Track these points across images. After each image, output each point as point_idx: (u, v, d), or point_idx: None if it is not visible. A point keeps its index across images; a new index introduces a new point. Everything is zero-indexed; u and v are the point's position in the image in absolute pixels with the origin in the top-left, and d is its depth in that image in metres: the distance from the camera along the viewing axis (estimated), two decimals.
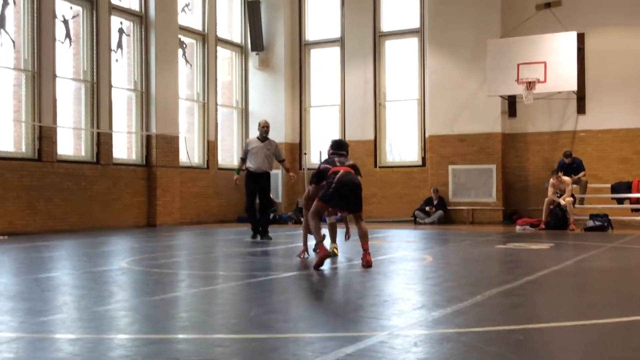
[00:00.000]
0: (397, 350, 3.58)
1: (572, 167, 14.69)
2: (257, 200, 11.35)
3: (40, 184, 13.53)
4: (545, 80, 15.13)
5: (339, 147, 7.67)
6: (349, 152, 7.84)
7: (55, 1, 14.09)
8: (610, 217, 13.76)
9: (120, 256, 8.93)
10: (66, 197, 14.03)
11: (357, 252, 8.42)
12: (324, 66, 19.49)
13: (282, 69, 19.26)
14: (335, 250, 8.11)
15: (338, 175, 7.17)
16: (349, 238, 8.61)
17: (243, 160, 11.33)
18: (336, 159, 7.42)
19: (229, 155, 19.42)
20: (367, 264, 7.07)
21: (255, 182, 11.13)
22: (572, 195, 14.05)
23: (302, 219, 12.88)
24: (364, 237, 7.24)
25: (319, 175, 7.49)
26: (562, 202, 13.87)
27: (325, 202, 7.22)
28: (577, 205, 14.27)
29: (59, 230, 13.73)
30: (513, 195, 16.82)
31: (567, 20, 15.83)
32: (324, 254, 6.97)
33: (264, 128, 11.40)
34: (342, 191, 7.14)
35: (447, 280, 6.44)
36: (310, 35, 19.56)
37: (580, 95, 16.03)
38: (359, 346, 3.63)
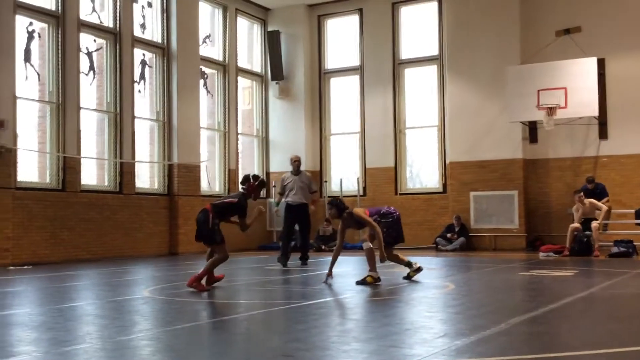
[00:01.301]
0: None
1: (595, 192, 14.55)
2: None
3: (63, 213, 13.68)
4: (566, 106, 15.08)
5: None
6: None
7: (79, 34, 14.36)
8: (635, 243, 13.58)
9: (143, 285, 8.97)
10: (89, 227, 14.15)
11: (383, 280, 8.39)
12: (343, 94, 19.59)
13: (302, 98, 19.40)
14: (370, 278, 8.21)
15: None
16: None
17: (281, 194, 12.08)
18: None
19: None
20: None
21: (294, 213, 11.86)
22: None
23: (323, 247, 12.89)
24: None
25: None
26: (594, 224, 13.65)
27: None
28: (601, 231, 14.10)
29: (82, 259, 13.83)
30: (535, 222, 16.68)
31: (587, 45, 15.80)
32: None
33: (296, 162, 12.11)
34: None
35: (469, 308, 6.38)
36: (329, 63, 19.71)
37: (602, 121, 15.93)
38: None
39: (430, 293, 7.69)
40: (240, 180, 8.40)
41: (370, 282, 8.16)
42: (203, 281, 7.91)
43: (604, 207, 13.96)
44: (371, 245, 8.42)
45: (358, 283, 8.20)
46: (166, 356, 4.36)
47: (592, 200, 14.15)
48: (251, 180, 8.32)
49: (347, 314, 6.32)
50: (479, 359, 4.03)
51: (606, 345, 4.51)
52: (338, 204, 8.50)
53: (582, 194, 14.14)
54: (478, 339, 4.60)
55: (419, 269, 8.80)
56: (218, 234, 7.89)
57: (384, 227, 8.45)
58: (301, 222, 12.13)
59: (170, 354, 4.42)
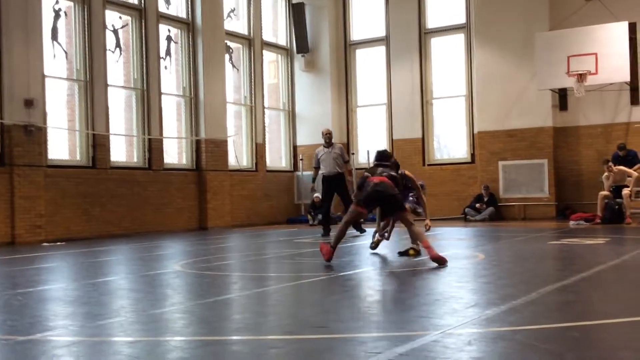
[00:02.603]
0: (451, 349, 3.57)
1: (626, 159, 14.34)
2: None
3: (94, 190, 13.86)
4: (596, 72, 14.81)
5: (380, 159, 8.08)
6: (391, 160, 8.21)
7: (105, 12, 14.42)
8: None
9: (174, 259, 9.08)
10: (120, 203, 14.34)
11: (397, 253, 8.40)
12: (369, 66, 19.45)
13: (327, 70, 19.31)
14: (412, 251, 8.18)
15: (372, 184, 7.58)
16: (388, 238, 8.83)
17: (316, 168, 12.43)
18: (378, 170, 7.82)
19: (277, 157, 19.55)
20: (435, 259, 7.13)
21: (330, 184, 12.19)
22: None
23: None
24: (417, 238, 7.69)
25: (361, 184, 7.87)
26: (625, 191, 13.49)
27: (360, 206, 7.66)
28: (633, 198, 13.91)
29: (114, 235, 14.04)
30: (566, 190, 16.50)
31: (618, 9, 15.44)
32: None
33: (327, 135, 12.44)
34: (374, 197, 7.60)
35: (500, 278, 6.36)
36: (355, 35, 19.55)
37: (634, 86, 15.62)
38: (411, 345, 3.63)
39: (460, 263, 7.67)
40: (375, 157, 8.22)
41: (412, 254, 8.15)
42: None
43: (635, 174, 13.76)
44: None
45: (401, 254, 8.21)
46: (199, 328, 4.43)
47: (622, 167, 13.95)
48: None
49: (377, 286, 6.34)
50: (510, 328, 4.03)
51: (637, 314, 4.47)
52: (395, 161, 8.43)
53: (610, 164, 13.93)
54: (509, 308, 4.59)
55: (378, 243, 8.85)
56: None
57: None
58: (340, 193, 12.42)
59: (203, 326, 4.49)
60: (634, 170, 14.03)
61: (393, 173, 7.78)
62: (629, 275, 6.49)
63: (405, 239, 9.93)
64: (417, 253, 8.14)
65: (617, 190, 13.77)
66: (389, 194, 7.48)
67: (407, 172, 8.52)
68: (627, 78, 14.85)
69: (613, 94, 15.85)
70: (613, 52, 14.72)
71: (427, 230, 8.54)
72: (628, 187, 13.67)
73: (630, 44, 14.91)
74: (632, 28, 15.24)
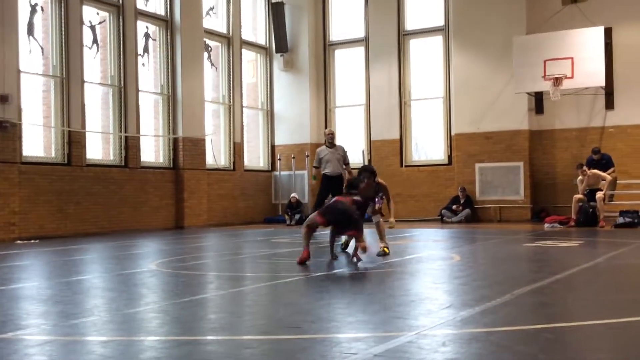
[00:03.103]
0: (425, 350, 3.58)
1: (601, 163, 14.51)
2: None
3: (70, 188, 13.72)
4: (572, 76, 14.98)
5: (351, 188, 8.11)
6: (370, 176, 8.09)
7: (82, 7, 14.28)
8: None
9: (150, 258, 9.02)
10: (95, 201, 14.21)
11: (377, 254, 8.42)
12: (348, 66, 19.49)
13: (306, 70, 19.31)
14: (385, 249, 8.27)
15: (336, 201, 7.86)
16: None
17: (316, 167, 12.19)
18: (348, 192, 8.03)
19: (255, 157, 19.51)
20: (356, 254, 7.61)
21: (331, 184, 12.00)
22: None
23: None
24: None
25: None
26: (599, 194, 13.65)
27: (320, 216, 7.76)
28: (607, 202, 14.09)
29: (89, 233, 13.91)
30: (541, 193, 16.66)
31: (594, 15, 15.64)
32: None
33: (329, 135, 12.34)
34: (334, 212, 7.69)
35: (475, 279, 6.40)
36: (334, 35, 19.57)
37: (609, 91, 15.82)
38: (386, 346, 3.63)
39: (436, 265, 7.71)
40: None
41: (387, 252, 8.26)
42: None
43: (609, 178, 13.94)
44: (381, 219, 8.44)
45: (379, 255, 8.29)
46: (174, 328, 4.40)
47: (596, 171, 14.12)
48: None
49: (353, 286, 6.35)
50: (485, 329, 4.06)
51: (612, 315, 4.53)
52: (372, 169, 8.44)
53: (584, 168, 14.09)
54: (483, 309, 4.62)
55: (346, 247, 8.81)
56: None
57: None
58: (338, 193, 12.31)
59: (178, 325, 4.46)
60: (608, 174, 14.20)
61: (358, 199, 7.88)
62: (602, 278, 6.56)
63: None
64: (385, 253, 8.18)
65: (591, 194, 13.93)
66: (348, 214, 7.64)
67: (381, 181, 8.58)
68: (602, 83, 15.03)
69: (588, 98, 16.03)
70: (589, 57, 14.90)
71: (390, 227, 8.71)
72: (602, 190, 13.85)
73: (605, 48, 15.10)
74: (607, 33, 15.44)
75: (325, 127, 19.45)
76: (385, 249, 8.29)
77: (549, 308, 4.90)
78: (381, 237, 8.40)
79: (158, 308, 5.07)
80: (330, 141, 12.28)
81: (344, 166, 12.33)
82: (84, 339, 4.10)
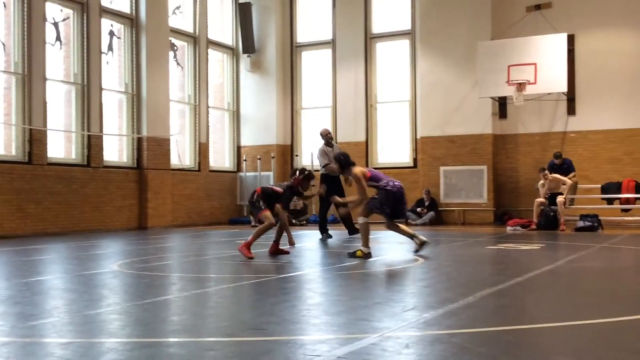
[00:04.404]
0: (389, 352, 3.59)
1: (562, 167, 14.75)
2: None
3: (30, 186, 13.48)
4: (535, 82, 15.20)
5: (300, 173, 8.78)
6: (304, 178, 8.66)
7: (45, 4, 14.05)
8: (600, 218, 13.82)
9: (112, 259, 8.90)
10: (57, 200, 13.98)
11: (345, 255, 8.44)
12: (315, 68, 19.50)
13: (273, 71, 19.27)
14: (359, 252, 8.32)
15: None
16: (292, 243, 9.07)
17: (328, 164, 12.08)
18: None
19: (220, 158, 19.41)
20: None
21: (332, 184, 11.97)
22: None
23: (294, 221, 12.94)
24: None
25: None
26: (560, 198, 13.87)
27: None
28: (567, 206, 14.33)
29: (50, 233, 13.68)
30: (504, 196, 16.88)
31: (557, 21, 15.91)
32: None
33: (327, 136, 12.50)
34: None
35: (439, 281, 6.45)
36: (301, 37, 19.57)
37: (570, 97, 16.11)
38: (350, 348, 3.64)
39: (400, 267, 7.75)
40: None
41: (359, 255, 8.23)
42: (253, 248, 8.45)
43: (569, 182, 14.18)
44: (367, 220, 8.41)
45: (350, 255, 8.32)
46: (135, 330, 4.34)
47: (557, 175, 14.35)
48: (297, 175, 8.67)
49: (318, 288, 6.35)
50: (448, 331, 4.09)
51: (571, 317, 4.60)
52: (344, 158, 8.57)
53: (546, 172, 14.32)
54: (446, 311, 4.66)
55: (423, 243, 8.65)
56: (257, 207, 8.50)
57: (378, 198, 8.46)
58: (338, 193, 12.23)
59: (140, 327, 4.41)
60: (569, 179, 14.44)
61: (277, 189, 8.60)
62: (562, 281, 6.67)
63: (354, 242, 10.05)
64: (366, 256, 8.19)
65: (552, 198, 14.15)
66: (251, 200, 8.57)
67: (354, 171, 8.54)
68: (565, 89, 15.29)
69: (551, 103, 16.30)
70: (552, 63, 15.14)
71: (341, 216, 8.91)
72: (563, 194, 14.08)
73: (568, 55, 15.37)
74: (570, 40, 15.72)
75: (292, 129, 19.49)
76: (359, 252, 8.27)
77: (511, 310, 4.96)
78: (363, 239, 8.35)
79: (120, 309, 5.01)
80: (329, 141, 12.42)
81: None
82: (43, 340, 4.02)
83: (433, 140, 17.16)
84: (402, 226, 8.85)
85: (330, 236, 12.10)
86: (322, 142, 12.59)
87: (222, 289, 6.13)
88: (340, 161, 8.57)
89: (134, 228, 15.69)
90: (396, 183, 8.59)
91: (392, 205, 8.44)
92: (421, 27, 17.33)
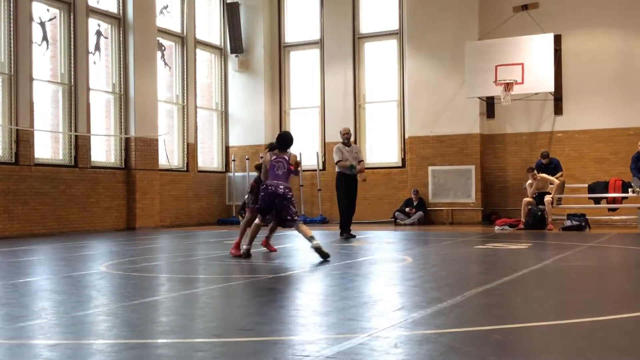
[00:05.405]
0: (377, 352, 3.60)
1: (549, 167, 14.83)
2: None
3: (17, 187, 13.40)
4: (522, 82, 15.27)
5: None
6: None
7: (32, 3, 13.97)
8: (587, 217, 13.91)
9: (99, 260, 8.86)
10: (44, 201, 13.90)
11: (333, 254, 8.45)
12: (303, 68, 19.49)
13: (261, 71, 19.25)
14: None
15: None
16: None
17: (340, 160, 12.16)
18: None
19: (208, 158, 19.36)
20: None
21: (349, 183, 12.13)
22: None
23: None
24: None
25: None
26: (547, 198, 13.95)
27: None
28: (554, 205, 14.41)
29: (37, 234, 13.60)
30: (492, 196, 16.95)
31: (544, 22, 15.99)
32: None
33: (346, 135, 12.42)
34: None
35: (427, 281, 6.47)
36: (289, 37, 19.56)
37: (557, 97, 16.19)
38: (339, 348, 3.64)
39: (388, 267, 7.76)
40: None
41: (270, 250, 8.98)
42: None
43: (557, 182, 14.26)
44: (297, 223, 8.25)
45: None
46: (123, 331, 4.33)
47: (544, 175, 14.43)
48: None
49: (306, 288, 6.35)
50: (436, 330, 4.10)
51: (559, 316, 4.63)
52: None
53: (534, 172, 14.40)
54: (435, 311, 4.67)
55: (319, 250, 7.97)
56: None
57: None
58: (353, 190, 12.36)
59: (128, 328, 4.39)
60: (556, 178, 14.53)
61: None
62: (549, 280, 6.70)
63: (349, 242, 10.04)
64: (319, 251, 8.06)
65: (540, 197, 14.23)
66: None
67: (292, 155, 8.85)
68: (552, 88, 15.37)
69: (538, 103, 16.38)
70: (539, 63, 15.21)
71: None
72: (550, 194, 14.16)
73: (555, 55, 15.45)
74: (557, 40, 15.80)
75: (280, 129, 19.46)
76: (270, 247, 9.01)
77: (499, 309, 4.98)
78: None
79: (107, 311, 4.99)
80: (347, 140, 12.41)
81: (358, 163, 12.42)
82: (30, 342, 4.00)
83: (421, 140, 17.20)
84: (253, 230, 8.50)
85: (354, 236, 11.94)
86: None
87: (211, 290, 6.12)
88: (277, 142, 8.67)
89: (122, 229, 15.63)
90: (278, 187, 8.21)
91: (265, 205, 8.22)
92: (409, 27, 17.36)
